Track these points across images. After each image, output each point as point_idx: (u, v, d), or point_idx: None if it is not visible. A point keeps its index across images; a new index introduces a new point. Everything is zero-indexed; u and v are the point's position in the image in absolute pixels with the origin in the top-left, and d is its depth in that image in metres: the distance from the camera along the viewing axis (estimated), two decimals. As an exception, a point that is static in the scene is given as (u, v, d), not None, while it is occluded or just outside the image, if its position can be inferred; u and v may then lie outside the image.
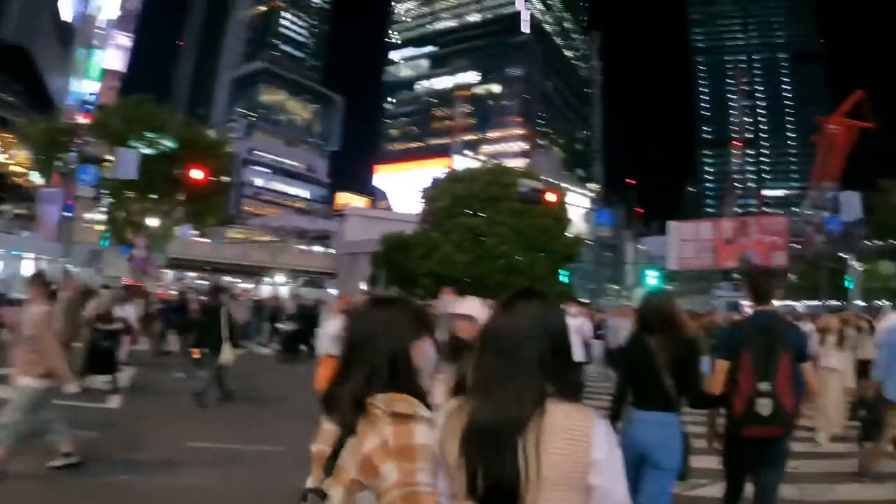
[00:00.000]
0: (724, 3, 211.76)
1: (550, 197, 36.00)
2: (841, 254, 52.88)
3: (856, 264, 48.89)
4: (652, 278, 49.99)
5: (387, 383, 2.10)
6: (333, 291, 58.71)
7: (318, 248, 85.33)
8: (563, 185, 59.46)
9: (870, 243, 55.45)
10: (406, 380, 2.15)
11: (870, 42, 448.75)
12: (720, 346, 5.17)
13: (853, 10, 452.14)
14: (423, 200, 50.65)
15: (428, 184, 52.85)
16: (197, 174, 32.96)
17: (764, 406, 4.60)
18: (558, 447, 1.82)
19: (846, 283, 44.60)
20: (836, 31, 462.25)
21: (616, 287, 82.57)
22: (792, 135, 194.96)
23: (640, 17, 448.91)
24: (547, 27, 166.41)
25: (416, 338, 2.24)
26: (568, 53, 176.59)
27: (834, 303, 40.03)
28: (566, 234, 48.90)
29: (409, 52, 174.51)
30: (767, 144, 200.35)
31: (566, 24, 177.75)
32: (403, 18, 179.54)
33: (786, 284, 62.45)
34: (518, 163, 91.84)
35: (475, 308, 4.05)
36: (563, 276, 46.48)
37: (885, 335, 8.24)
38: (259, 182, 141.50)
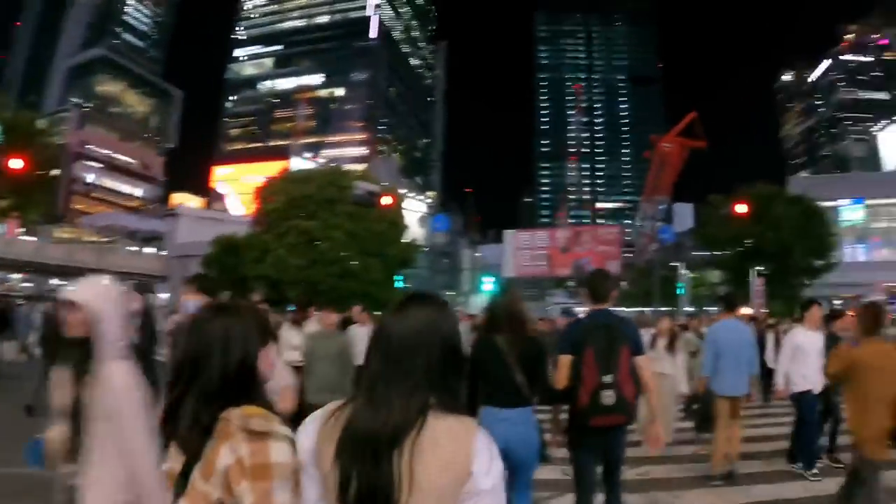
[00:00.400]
0: (570, 24, 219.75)
1: (386, 200, 35.33)
2: (673, 263, 55.36)
3: (685, 272, 51.13)
4: (488, 284, 50.77)
5: (235, 397, 1.99)
6: (164, 296, 56.31)
7: (150, 250, 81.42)
8: (402, 191, 59.08)
9: (698, 254, 58.17)
10: (255, 392, 2.07)
11: (704, 70, 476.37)
12: (563, 342, 5.31)
13: (691, 39, 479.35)
14: (257, 201, 49.07)
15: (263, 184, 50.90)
16: (17, 164, 30.50)
17: (608, 397, 4.87)
18: (436, 460, 1.74)
19: (678, 290, 46.59)
20: (674, 58, 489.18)
21: (452, 293, 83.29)
22: (626, 151, 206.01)
23: (488, 31, 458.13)
24: (395, 34, 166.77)
25: (262, 346, 2.16)
26: (414, 61, 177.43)
27: (664, 309, 41.77)
28: (402, 239, 48.41)
29: (255, 49, 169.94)
30: (602, 159, 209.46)
31: (414, 33, 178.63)
32: (251, 15, 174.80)
33: (619, 291, 64.38)
34: (357, 168, 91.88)
35: (87, 292, 2.94)
36: (398, 282, 46.02)
37: (709, 335, 8.91)
38: (90, 178, 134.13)
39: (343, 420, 1.83)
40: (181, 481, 1.92)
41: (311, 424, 1.90)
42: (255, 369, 2.10)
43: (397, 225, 47.71)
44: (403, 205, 50.80)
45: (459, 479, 1.74)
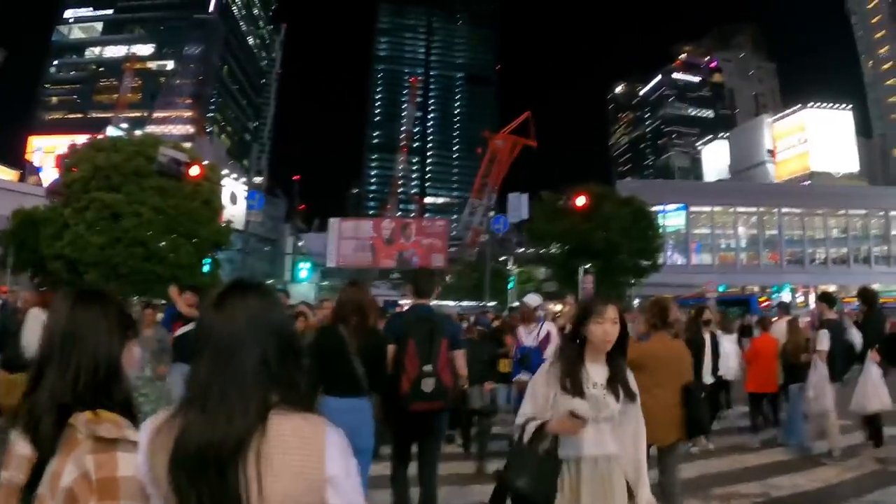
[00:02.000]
0: (412, 18, 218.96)
1: (194, 171, 29.57)
2: (502, 258, 55.48)
3: (513, 268, 51.25)
4: (303, 270, 48.95)
5: (92, 395, 1.82)
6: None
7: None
8: (225, 172, 56.21)
9: (528, 251, 58.55)
10: (115, 390, 1.90)
11: (540, 76, 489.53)
12: (386, 333, 5.65)
13: (530, 45, 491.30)
14: (59, 170, 44.65)
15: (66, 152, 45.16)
16: None
17: (428, 385, 5.33)
18: (286, 464, 1.59)
19: (509, 285, 46.26)
20: (512, 60, 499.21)
21: (272, 281, 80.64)
22: (457, 148, 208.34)
23: (330, 17, 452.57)
24: (234, 10, 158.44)
25: (124, 340, 1.99)
26: (251, 41, 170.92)
27: (492, 304, 41.47)
28: (217, 220, 44.66)
29: (85, 12, 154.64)
30: (433, 154, 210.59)
31: (255, 10, 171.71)
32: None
33: (443, 286, 64.40)
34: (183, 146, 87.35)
35: None
36: (206, 265, 42.69)
37: None
38: None
39: (175, 432, 1.60)
40: (26, 496, 1.72)
41: (141, 438, 1.66)
42: (116, 368, 1.89)
43: (212, 204, 43.85)
44: (231, 188, 47.97)
45: (315, 486, 1.60)
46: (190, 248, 41.64)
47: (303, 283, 61.68)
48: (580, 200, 33.88)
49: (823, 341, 9.23)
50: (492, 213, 59.11)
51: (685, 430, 5.44)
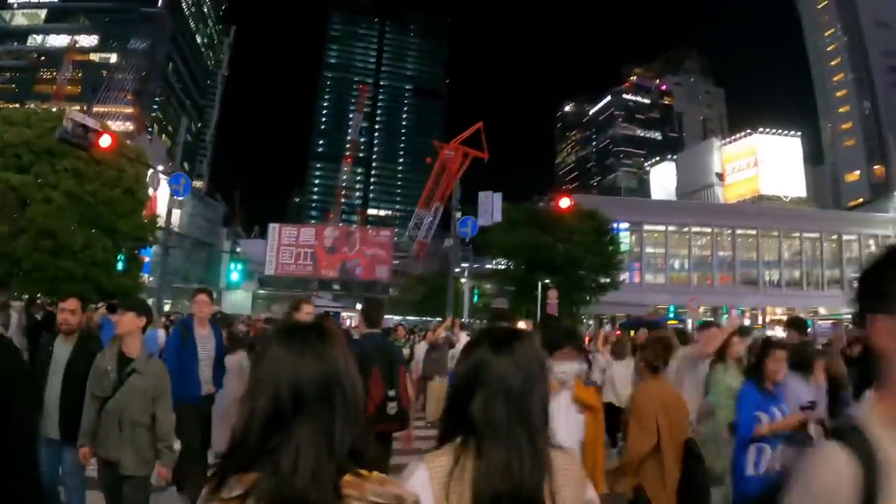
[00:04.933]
0: (364, 27, 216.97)
1: (105, 141, 23.22)
2: (459, 268, 52.64)
3: (465, 281, 49.27)
4: (236, 273, 45.26)
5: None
6: None
7: None
8: (160, 168, 52.11)
9: (473, 265, 56.32)
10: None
11: (489, 92, 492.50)
12: None
13: (482, 60, 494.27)
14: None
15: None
16: None
17: (392, 408, 6.04)
18: (570, 496, 1.86)
19: (474, 298, 45.10)
20: (462, 75, 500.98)
21: (204, 286, 76.98)
22: (402, 160, 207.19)
23: (280, 21, 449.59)
24: (184, 6, 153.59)
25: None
26: (199, 39, 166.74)
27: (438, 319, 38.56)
28: (141, 213, 40.38)
29: None
30: (378, 166, 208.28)
31: (204, 9, 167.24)
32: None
33: (388, 298, 62.57)
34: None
35: None
36: (120, 263, 38.00)
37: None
38: None
39: (474, 471, 1.74)
40: None
41: (423, 489, 1.74)
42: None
43: (136, 194, 39.51)
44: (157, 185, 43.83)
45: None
46: (107, 244, 37.38)
47: (238, 291, 58.15)
48: (564, 202, 30.88)
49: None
50: (458, 215, 56.14)
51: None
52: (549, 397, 1.80)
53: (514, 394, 1.74)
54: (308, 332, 1.65)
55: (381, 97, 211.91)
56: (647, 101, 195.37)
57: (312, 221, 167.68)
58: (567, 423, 3.64)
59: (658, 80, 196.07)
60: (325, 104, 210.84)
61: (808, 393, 6.36)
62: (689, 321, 40.68)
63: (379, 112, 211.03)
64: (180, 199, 26.89)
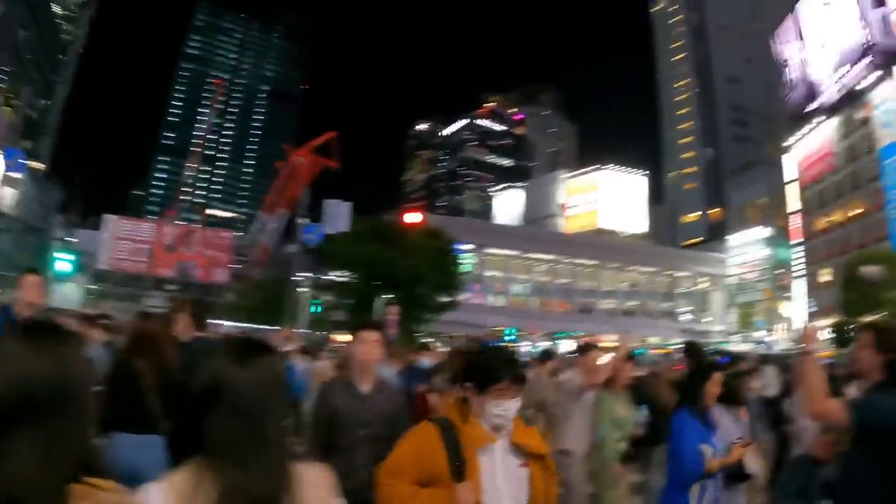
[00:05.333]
0: (229, 22, 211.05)
1: None
2: (296, 277, 51.53)
3: (304, 290, 47.91)
4: (63, 262, 42.65)
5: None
6: None
7: None
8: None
9: (314, 274, 55.18)
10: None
11: (346, 103, 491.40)
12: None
13: (340, 72, 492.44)
14: None
15: None
16: None
17: None
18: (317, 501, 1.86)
19: (311, 308, 44.21)
20: (320, 82, 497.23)
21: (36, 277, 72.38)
22: (250, 163, 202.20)
23: (145, 2, 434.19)
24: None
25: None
26: (56, 9, 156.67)
27: (277, 328, 37.28)
28: None
29: None
30: (224, 166, 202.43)
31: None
32: None
33: (226, 304, 60.48)
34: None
35: None
36: None
37: None
38: None
39: (214, 487, 1.65)
40: None
41: (159, 498, 1.69)
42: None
43: None
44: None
45: None
46: None
47: (68, 284, 55.37)
48: (411, 217, 30.99)
49: None
50: (305, 221, 55.04)
51: None
52: (287, 412, 1.77)
53: (252, 410, 1.67)
54: (47, 330, 1.58)
55: (236, 95, 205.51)
56: (501, 128, 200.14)
57: (151, 216, 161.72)
58: (507, 479, 3.04)
59: (515, 110, 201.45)
60: (179, 96, 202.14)
61: (738, 427, 5.79)
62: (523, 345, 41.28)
63: (232, 110, 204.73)
64: (15, 176, 25.03)
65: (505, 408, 3.00)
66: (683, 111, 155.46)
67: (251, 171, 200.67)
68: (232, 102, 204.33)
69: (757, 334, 76.95)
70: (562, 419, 6.61)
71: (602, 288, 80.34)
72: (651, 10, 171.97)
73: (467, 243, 66.75)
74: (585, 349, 7.11)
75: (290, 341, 14.09)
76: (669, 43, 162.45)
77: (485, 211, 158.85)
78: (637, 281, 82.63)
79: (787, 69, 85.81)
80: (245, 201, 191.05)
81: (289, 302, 41.59)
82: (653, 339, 68.74)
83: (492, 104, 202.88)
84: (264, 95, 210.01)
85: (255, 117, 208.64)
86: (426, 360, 10.39)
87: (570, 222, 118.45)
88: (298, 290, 46.77)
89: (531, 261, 77.74)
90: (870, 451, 3.45)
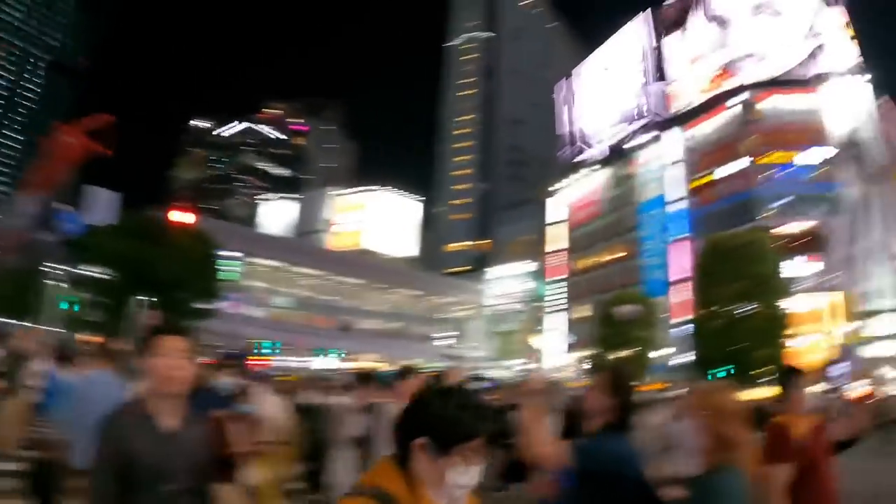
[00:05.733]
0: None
1: None
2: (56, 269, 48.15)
3: (56, 284, 45.46)
4: None
5: None
6: None
7: None
8: None
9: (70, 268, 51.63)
10: None
11: (129, 90, 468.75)
12: None
13: (129, 56, 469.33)
14: None
15: None
16: None
17: None
18: None
19: (62, 305, 40.75)
20: (107, 64, 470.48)
21: None
22: (15, 136, 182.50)
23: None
24: None
25: None
26: None
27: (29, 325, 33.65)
28: None
29: None
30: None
31: None
32: None
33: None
34: None
35: None
36: None
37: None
38: None
39: None
40: None
41: None
42: None
43: None
44: None
45: None
46: None
47: None
48: (185, 216, 29.76)
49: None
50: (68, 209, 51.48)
51: None
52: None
53: None
54: None
55: (12, 59, 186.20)
56: (281, 136, 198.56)
57: None
58: None
59: (298, 120, 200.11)
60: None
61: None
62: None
63: (6, 76, 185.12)
64: None
65: (473, 475, 2.18)
66: (464, 144, 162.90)
67: (15, 146, 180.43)
68: (7, 67, 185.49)
69: (513, 362, 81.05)
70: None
71: (365, 307, 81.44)
72: (445, 45, 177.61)
73: (234, 250, 65.48)
74: (405, 374, 6.58)
75: (38, 343, 12.34)
76: (460, 78, 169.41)
77: (251, 219, 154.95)
78: (401, 303, 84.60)
79: (564, 121, 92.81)
80: (2, 178, 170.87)
81: (37, 295, 39.13)
82: (414, 362, 70.44)
83: (275, 111, 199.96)
84: (43, 64, 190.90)
85: (30, 86, 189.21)
86: (227, 381, 7.93)
87: (335, 239, 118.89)
88: (51, 282, 44.19)
89: (297, 274, 77.64)
90: (589, 493, 3.63)
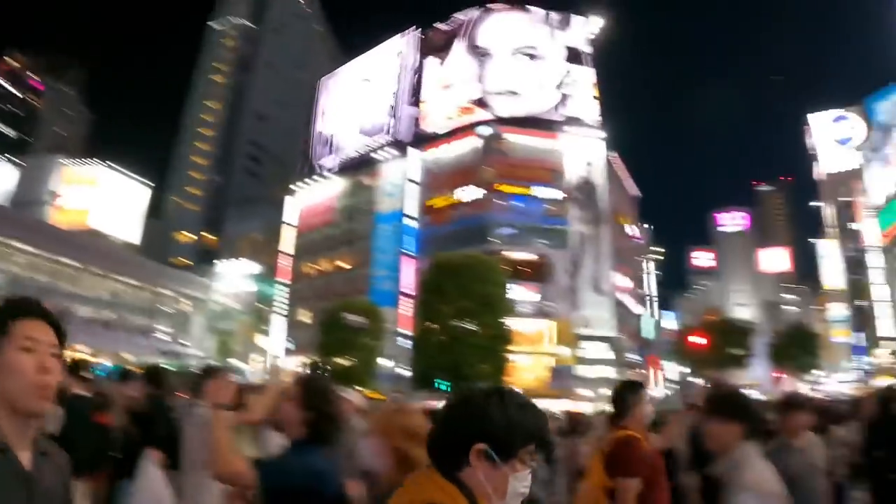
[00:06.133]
0: None
1: None
2: None
3: None
4: None
5: None
6: None
7: None
8: None
9: None
10: None
11: None
12: None
13: None
14: None
15: None
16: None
17: None
18: None
19: None
20: None
21: None
22: None
23: None
24: None
25: None
26: None
27: None
28: None
29: None
30: None
31: None
32: None
33: None
34: None
35: None
36: None
37: None
38: None
39: None
40: None
41: None
42: None
43: None
44: None
45: None
46: None
47: None
48: None
49: None
50: None
51: None
52: None
53: None
54: None
55: None
56: (14, 91, 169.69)
57: None
58: None
59: (38, 78, 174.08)
60: None
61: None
62: None
63: None
64: None
65: (528, 482, 1.89)
66: (206, 132, 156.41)
67: None
68: None
69: (233, 362, 78.74)
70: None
71: (83, 293, 75.53)
72: (209, 23, 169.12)
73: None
74: (211, 373, 5.37)
75: None
76: (214, 62, 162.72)
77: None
78: (119, 292, 79.39)
79: (314, 124, 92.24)
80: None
81: None
82: (128, 356, 66.28)
83: (14, 63, 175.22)
84: None
85: None
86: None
87: (60, 215, 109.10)
88: None
89: (10, 249, 70.13)
90: None
